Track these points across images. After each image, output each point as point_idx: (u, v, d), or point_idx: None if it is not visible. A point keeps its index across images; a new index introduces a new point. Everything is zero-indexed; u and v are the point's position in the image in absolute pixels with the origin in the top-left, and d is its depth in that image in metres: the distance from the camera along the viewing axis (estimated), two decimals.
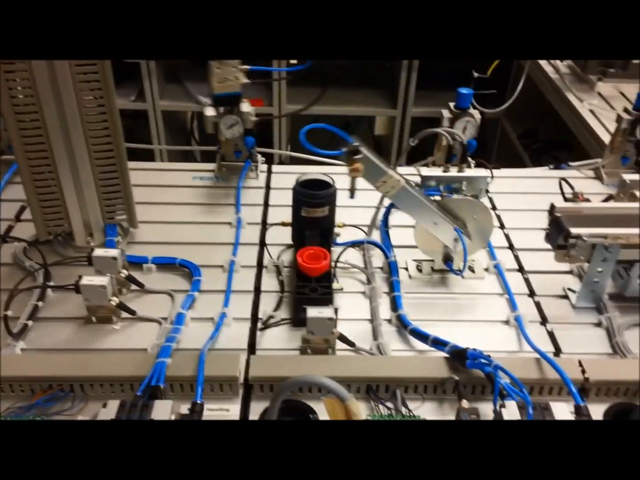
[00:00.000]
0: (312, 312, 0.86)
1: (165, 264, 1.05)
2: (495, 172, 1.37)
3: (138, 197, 1.10)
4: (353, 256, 1.10)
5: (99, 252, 0.92)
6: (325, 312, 0.86)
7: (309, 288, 0.97)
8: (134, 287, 0.99)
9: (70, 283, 0.90)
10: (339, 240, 1.11)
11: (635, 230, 0.89)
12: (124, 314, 0.94)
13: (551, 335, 0.94)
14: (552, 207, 0.95)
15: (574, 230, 0.90)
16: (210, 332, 0.90)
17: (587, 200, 1.00)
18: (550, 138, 2.05)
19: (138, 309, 0.95)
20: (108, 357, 0.85)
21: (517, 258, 1.11)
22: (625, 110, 1.26)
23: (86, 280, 0.88)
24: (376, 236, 1.14)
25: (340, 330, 0.89)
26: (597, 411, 0.81)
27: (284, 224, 1.14)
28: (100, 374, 0.81)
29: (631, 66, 1.76)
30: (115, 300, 0.90)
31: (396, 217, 1.18)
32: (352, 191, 0.94)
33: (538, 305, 1.00)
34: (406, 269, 1.08)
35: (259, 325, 0.95)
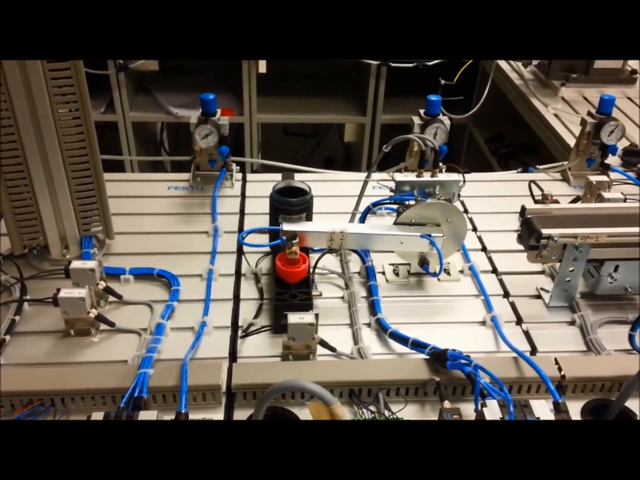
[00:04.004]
0: (293, 318, 0.86)
1: (143, 275, 1.04)
2: (466, 176, 1.40)
3: (113, 208, 1.09)
4: (330, 262, 1.11)
5: (76, 264, 0.91)
6: (305, 317, 0.87)
7: (288, 294, 0.97)
8: (112, 298, 0.98)
9: (47, 296, 0.89)
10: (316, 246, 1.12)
11: (604, 230, 0.92)
12: (103, 326, 0.93)
13: (527, 334, 0.97)
14: (523, 209, 0.97)
15: (545, 231, 0.92)
16: (191, 342, 0.90)
17: (556, 201, 1.03)
18: (516, 142, 2.10)
19: (117, 321, 0.94)
20: (88, 370, 0.84)
21: (490, 260, 1.13)
22: (589, 113, 1.30)
23: (64, 292, 0.87)
24: None
25: (321, 335, 0.89)
26: (574, 408, 0.83)
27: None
28: (81, 386, 0.80)
29: (592, 71, 1.82)
30: (93, 312, 0.89)
31: (372, 222, 1.20)
32: None
33: (513, 305, 1.03)
34: (383, 273, 1.09)
35: (240, 333, 0.95)
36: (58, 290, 0.88)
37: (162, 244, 1.14)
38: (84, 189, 1.01)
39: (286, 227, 0.98)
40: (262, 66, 2.92)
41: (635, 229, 0.93)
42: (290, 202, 1.04)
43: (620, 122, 1.26)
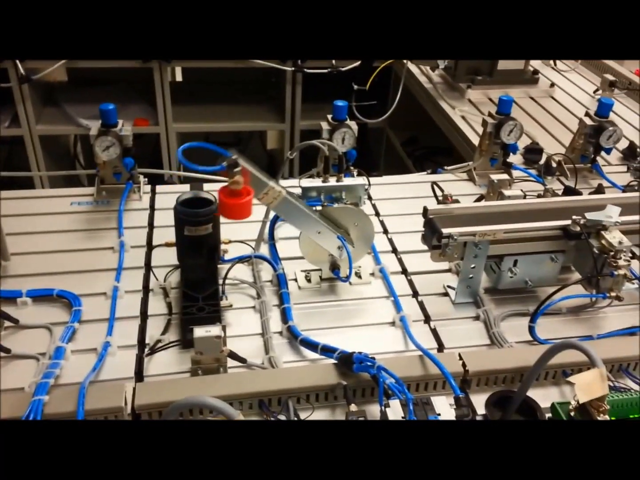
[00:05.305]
0: (199, 331, 0.85)
1: (42, 297, 0.99)
2: (378, 179, 1.43)
3: (10, 227, 1.04)
4: (242, 272, 1.09)
5: None
6: (212, 330, 0.85)
7: (196, 307, 0.95)
8: (8, 323, 0.93)
9: None
10: (226, 256, 1.10)
11: (499, 227, 0.95)
12: None
13: (434, 332, 0.99)
14: (425, 210, 0.99)
15: (446, 231, 0.95)
16: (94, 364, 0.86)
17: (457, 201, 1.06)
18: (431, 144, 2.16)
19: (13, 347, 0.89)
20: None
21: (400, 261, 1.15)
22: (490, 114, 1.35)
23: None
24: (264, 250, 1.14)
25: (232, 347, 0.88)
26: (479, 400, 0.86)
27: (168, 245, 1.12)
28: None
29: (497, 72, 1.90)
30: None
31: (282, 229, 1.20)
32: None
33: (421, 304, 1.04)
34: (295, 280, 1.09)
35: (146, 350, 0.92)
36: None
37: (64, 263, 1.09)
38: None
39: (235, 155, 0.88)
40: (179, 74, 2.86)
41: (529, 224, 0.97)
42: (195, 213, 1.01)
43: (519, 121, 1.31)
